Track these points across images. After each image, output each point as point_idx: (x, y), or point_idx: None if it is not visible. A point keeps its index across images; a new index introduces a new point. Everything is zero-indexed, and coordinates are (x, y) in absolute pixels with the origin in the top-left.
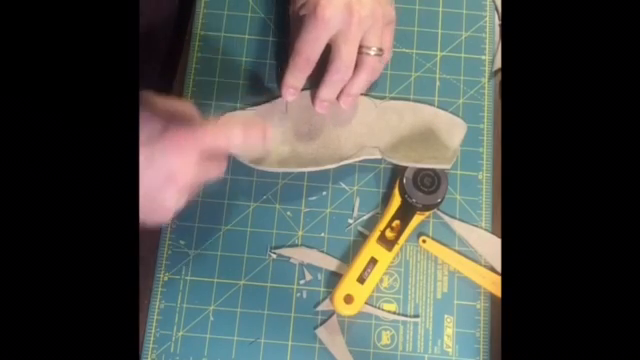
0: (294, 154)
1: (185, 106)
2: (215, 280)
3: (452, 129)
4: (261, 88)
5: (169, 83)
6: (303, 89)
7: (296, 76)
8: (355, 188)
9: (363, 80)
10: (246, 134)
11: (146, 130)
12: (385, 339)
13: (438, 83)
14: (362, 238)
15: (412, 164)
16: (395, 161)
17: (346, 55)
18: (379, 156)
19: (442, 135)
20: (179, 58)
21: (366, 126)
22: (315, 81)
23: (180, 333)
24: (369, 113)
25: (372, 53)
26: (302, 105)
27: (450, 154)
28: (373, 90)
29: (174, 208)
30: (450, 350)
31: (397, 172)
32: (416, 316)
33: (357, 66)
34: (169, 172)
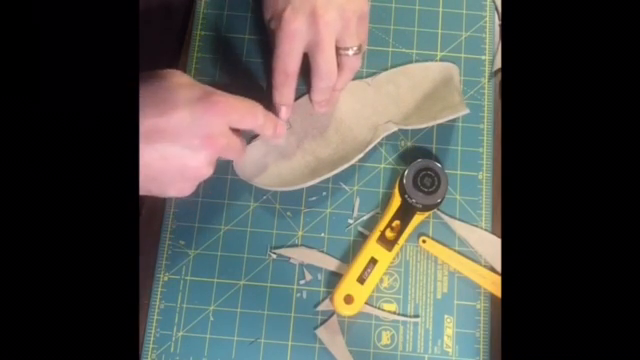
0: (319, 160)
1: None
2: (215, 280)
3: (447, 75)
4: (261, 88)
5: None
6: (296, 98)
7: (282, 93)
8: (355, 188)
9: (346, 79)
10: (266, 118)
11: (186, 93)
12: (385, 339)
13: None
14: (362, 238)
15: (431, 123)
16: (413, 127)
17: (324, 63)
18: (396, 129)
19: (441, 85)
20: (179, 58)
21: (370, 107)
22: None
23: (180, 333)
24: (366, 94)
25: (351, 53)
26: (303, 113)
27: (459, 98)
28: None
29: (205, 176)
30: (450, 350)
31: (397, 172)
32: (416, 316)
33: (338, 66)
34: (206, 133)
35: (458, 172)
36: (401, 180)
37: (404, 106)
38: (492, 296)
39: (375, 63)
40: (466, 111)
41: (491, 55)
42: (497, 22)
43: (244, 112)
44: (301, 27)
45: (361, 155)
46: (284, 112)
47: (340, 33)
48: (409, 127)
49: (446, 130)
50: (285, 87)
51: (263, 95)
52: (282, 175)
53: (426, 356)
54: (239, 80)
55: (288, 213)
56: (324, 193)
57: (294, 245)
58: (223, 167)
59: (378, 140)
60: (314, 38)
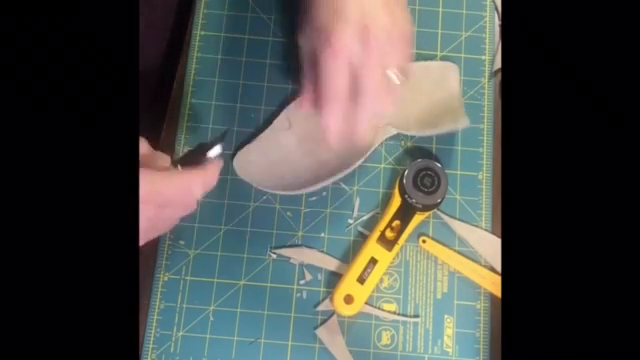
0: (321, 164)
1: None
2: (215, 280)
3: (447, 75)
4: (261, 88)
5: (169, 84)
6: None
7: (334, 114)
8: (355, 188)
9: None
10: (205, 185)
11: None
12: (385, 339)
13: None
14: (362, 238)
15: (431, 132)
16: (413, 132)
17: (372, 88)
18: (395, 132)
19: (441, 86)
20: (179, 58)
21: None
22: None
23: (180, 333)
24: None
25: (394, 77)
26: (304, 115)
27: (457, 103)
28: None
29: None
30: (450, 350)
31: (397, 172)
32: (416, 316)
33: None
34: None
35: (458, 172)
36: (401, 180)
37: (404, 107)
38: (492, 296)
39: None
40: (466, 124)
41: (491, 55)
42: (497, 22)
43: (175, 190)
44: (352, 44)
45: (362, 160)
46: (337, 137)
47: (385, 53)
48: (408, 132)
49: None
50: (338, 108)
51: (263, 95)
52: (284, 178)
53: (426, 356)
54: (239, 80)
55: (288, 213)
56: (324, 193)
57: (294, 245)
58: (223, 167)
59: (379, 143)
60: (364, 57)
